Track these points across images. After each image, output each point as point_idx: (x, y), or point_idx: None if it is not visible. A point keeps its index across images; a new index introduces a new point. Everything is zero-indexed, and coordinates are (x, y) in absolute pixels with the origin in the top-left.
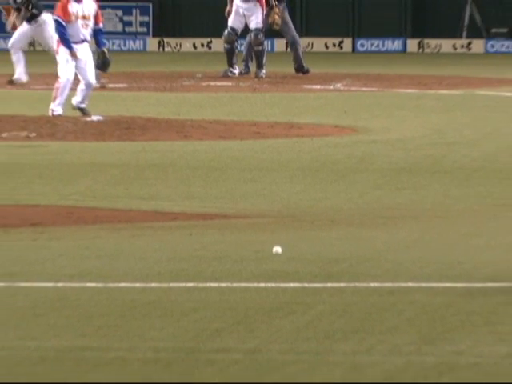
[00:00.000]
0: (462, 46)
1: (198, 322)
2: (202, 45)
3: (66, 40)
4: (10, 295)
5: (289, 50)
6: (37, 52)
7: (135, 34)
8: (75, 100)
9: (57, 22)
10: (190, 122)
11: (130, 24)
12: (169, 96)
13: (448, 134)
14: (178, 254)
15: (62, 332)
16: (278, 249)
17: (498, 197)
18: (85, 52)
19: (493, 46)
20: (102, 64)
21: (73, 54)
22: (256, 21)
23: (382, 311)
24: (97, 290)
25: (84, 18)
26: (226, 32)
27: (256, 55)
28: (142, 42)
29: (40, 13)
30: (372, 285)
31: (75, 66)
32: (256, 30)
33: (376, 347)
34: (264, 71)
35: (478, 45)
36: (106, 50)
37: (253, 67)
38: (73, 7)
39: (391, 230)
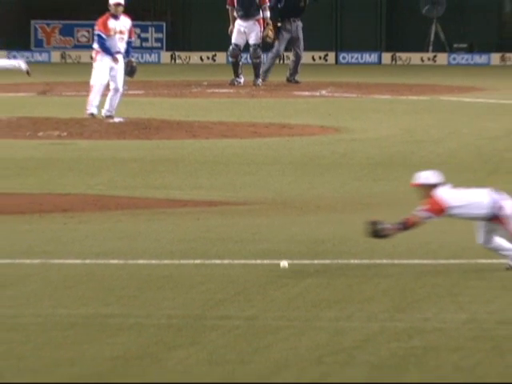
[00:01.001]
0: (429, 59)
1: (204, 293)
2: (208, 58)
3: (107, 49)
4: (44, 270)
5: (289, 60)
6: (67, 64)
7: (151, 49)
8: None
9: (98, 35)
10: (198, 124)
11: (146, 40)
12: (179, 101)
13: (416, 133)
14: (187, 235)
15: (88, 302)
16: (284, 263)
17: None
18: (118, 62)
19: (454, 59)
20: (130, 71)
21: (115, 59)
22: (255, 37)
23: (361, 284)
24: (118, 266)
25: (120, 32)
26: (230, 48)
27: (254, 66)
28: (156, 55)
29: None
30: (352, 261)
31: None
32: (254, 45)
33: (355, 314)
34: (261, 80)
35: (442, 58)
36: (133, 59)
37: (251, 76)
38: (111, 23)
39: (368, 215)
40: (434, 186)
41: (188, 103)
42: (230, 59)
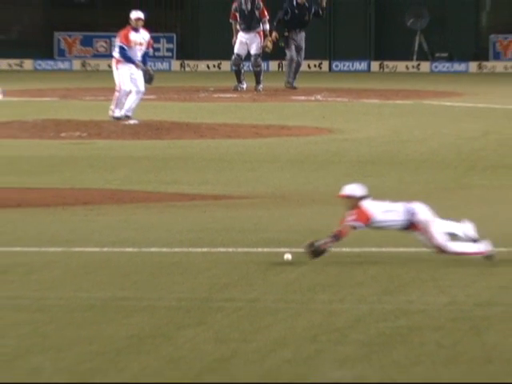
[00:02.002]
0: (413, 67)
1: (210, 278)
2: (214, 66)
3: (129, 58)
4: (66, 257)
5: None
6: (87, 71)
7: (162, 58)
8: (124, 109)
9: (120, 47)
10: (205, 125)
11: (158, 50)
12: (188, 105)
13: (402, 133)
14: (195, 226)
15: (106, 286)
16: (288, 256)
17: (439, 182)
18: (137, 70)
19: (436, 67)
20: (149, 78)
21: (137, 66)
22: (256, 48)
23: (352, 270)
24: (133, 253)
25: (140, 44)
26: (233, 57)
27: (255, 74)
28: (167, 63)
29: None
30: (344, 249)
31: (130, 79)
32: (255, 55)
33: (347, 297)
34: (261, 86)
35: (425, 66)
36: (149, 68)
37: (253, 83)
38: (132, 36)
39: None
40: (359, 198)
41: (196, 107)
42: (233, 67)
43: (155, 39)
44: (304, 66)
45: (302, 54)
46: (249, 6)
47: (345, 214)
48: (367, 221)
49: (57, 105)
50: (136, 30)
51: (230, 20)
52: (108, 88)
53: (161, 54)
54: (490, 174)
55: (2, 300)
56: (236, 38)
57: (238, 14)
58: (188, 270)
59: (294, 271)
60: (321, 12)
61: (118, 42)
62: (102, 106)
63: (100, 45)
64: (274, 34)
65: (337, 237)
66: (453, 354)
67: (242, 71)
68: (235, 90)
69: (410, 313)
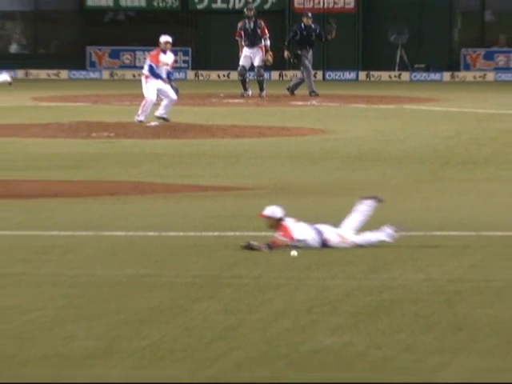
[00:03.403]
0: (395, 76)
1: (220, 258)
2: (224, 75)
3: (157, 75)
4: (97, 240)
5: (294, 77)
6: (115, 80)
7: (179, 68)
8: (159, 112)
9: (150, 66)
10: (216, 126)
11: (176, 61)
12: (201, 109)
13: (385, 134)
14: (208, 213)
15: (131, 265)
16: (294, 253)
17: (418, 175)
18: (165, 84)
19: (415, 76)
20: (175, 91)
21: (164, 81)
22: (258, 60)
23: (342, 251)
24: (154, 237)
25: (166, 64)
26: (238, 69)
27: (258, 82)
28: (184, 73)
29: None
30: (435, 234)
31: (160, 91)
32: (258, 66)
33: (338, 274)
34: (265, 92)
35: (405, 75)
36: (173, 83)
37: (257, 90)
38: (161, 57)
39: (348, 198)
40: (278, 219)
41: (208, 111)
42: (239, 77)
43: (174, 52)
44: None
45: (310, 69)
46: (252, 26)
47: (274, 235)
48: (292, 239)
49: (88, 109)
50: (164, 51)
51: (236, 37)
52: (132, 94)
53: (178, 65)
54: (462, 169)
55: (42, 277)
56: (241, 52)
57: (242, 32)
58: (201, 251)
59: (289, 256)
60: (324, 39)
61: (148, 61)
62: (127, 110)
63: (126, 57)
64: (287, 53)
65: (270, 246)
66: (429, 323)
67: (247, 80)
68: (242, 96)
69: (393, 288)
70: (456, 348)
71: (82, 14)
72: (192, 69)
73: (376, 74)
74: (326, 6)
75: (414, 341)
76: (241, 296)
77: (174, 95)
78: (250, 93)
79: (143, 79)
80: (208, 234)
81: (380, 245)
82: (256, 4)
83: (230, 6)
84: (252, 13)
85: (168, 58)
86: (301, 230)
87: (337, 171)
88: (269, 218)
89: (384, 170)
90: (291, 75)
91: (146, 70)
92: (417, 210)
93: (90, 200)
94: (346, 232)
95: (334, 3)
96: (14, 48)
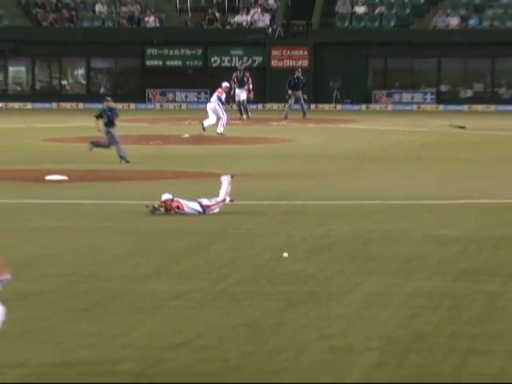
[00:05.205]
0: (333, 107)
1: (225, 217)
2: (230, 106)
3: (223, 102)
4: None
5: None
6: (163, 110)
7: (202, 102)
8: (218, 129)
9: (219, 96)
10: (223, 137)
11: (199, 97)
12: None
13: (326, 142)
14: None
15: (169, 220)
16: (285, 254)
17: (345, 166)
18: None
19: (345, 107)
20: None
21: (225, 106)
22: (244, 96)
23: (298, 213)
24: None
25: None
26: (236, 103)
27: (245, 110)
28: (204, 105)
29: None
30: (298, 202)
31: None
32: (243, 100)
33: (298, 227)
34: (249, 116)
35: (338, 106)
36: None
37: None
38: (224, 92)
39: (305, 180)
40: (172, 199)
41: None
42: (237, 107)
43: (203, 91)
44: (277, 107)
45: (302, 101)
46: (241, 75)
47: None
48: (183, 207)
49: (147, 127)
50: (224, 91)
51: (231, 81)
52: (173, 118)
53: (202, 100)
54: (373, 163)
55: (120, 228)
56: (234, 91)
57: (235, 79)
58: (211, 214)
59: (275, 216)
60: (303, 85)
61: (217, 94)
62: (170, 127)
63: (169, 95)
64: (289, 92)
65: (166, 209)
66: (353, 256)
67: (242, 108)
68: (239, 119)
69: (331, 235)
70: (370, 272)
71: (144, 69)
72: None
73: (321, 105)
74: (291, 64)
75: (344, 267)
76: (239, 240)
77: (225, 116)
78: (245, 117)
79: (215, 105)
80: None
81: (326, 209)
82: (247, 64)
83: (233, 64)
84: (242, 67)
85: (225, 94)
86: (188, 203)
87: (297, 165)
88: (165, 200)
89: (326, 163)
90: (270, 106)
91: (217, 99)
92: (346, 186)
93: (149, 182)
94: (216, 198)
95: (296, 63)
96: (102, 90)
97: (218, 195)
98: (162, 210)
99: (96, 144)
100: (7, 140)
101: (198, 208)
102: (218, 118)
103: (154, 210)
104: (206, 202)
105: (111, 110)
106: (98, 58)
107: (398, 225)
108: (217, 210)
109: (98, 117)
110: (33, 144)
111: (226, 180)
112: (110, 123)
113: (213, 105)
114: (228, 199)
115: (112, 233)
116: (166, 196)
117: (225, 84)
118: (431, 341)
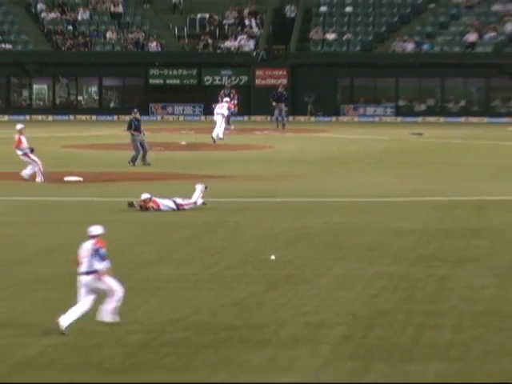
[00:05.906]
0: (308, 119)
1: (216, 213)
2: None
3: (229, 116)
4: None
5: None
6: (164, 121)
7: (193, 115)
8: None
9: (228, 109)
10: (216, 145)
11: (195, 110)
12: (207, 135)
13: (303, 148)
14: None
15: (169, 215)
16: (273, 257)
17: (319, 169)
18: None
19: (317, 119)
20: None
21: (228, 120)
22: (227, 111)
23: (280, 210)
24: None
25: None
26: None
27: (227, 120)
28: (198, 117)
29: None
30: (278, 199)
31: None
32: (228, 113)
33: (277, 220)
34: (233, 127)
35: (312, 119)
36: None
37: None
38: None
39: (284, 181)
40: (150, 198)
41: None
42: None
43: (193, 106)
44: (259, 118)
45: (283, 113)
46: (228, 92)
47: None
48: (159, 205)
49: (151, 136)
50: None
51: (219, 97)
52: (172, 128)
53: (197, 112)
54: (343, 166)
55: (125, 221)
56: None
57: (223, 95)
58: (205, 209)
59: (254, 212)
60: (285, 99)
61: (227, 106)
62: (171, 136)
63: (169, 109)
64: (273, 104)
65: (142, 207)
66: (324, 245)
67: (229, 120)
68: (227, 129)
69: (306, 227)
70: (339, 258)
71: (147, 87)
72: (203, 114)
73: (298, 117)
74: (273, 83)
75: (318, 254)
76: (228, 232)
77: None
78: (232, 127)
79: (220, 118)
80: (213, 200)
81: (302, 205)
82: (235, 82)
83: (223, 83)
84: (229, 85)
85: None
86: (163, 201)
87: (278, 167)
88: (145, 199)
89: (302, 166)
90: (254, 118)
91: (226, 111)
92: (318, 186)
93: (151, 182)
94: (189, 200)
95: (277, 82)
96: (112, 104)
97: (190, 198)
98: (137, 207)
99: (132, 160)
100: (33, 147)
101: (172, 205)
102: (220, 125)
103: (130, 206)
104: (179, 200)
105: (137, 120)
106: (108, 77)
107: (363, 218)
108: (188, 208)
109: (129, 128)
110: (54, 150)
111: (199, 188)
112: (137, 131)
113: (221, 116)
114: (200, 201)
115: (119, 225)
116: (145, 195)
117: (226, 99)
118: (391, 317)
